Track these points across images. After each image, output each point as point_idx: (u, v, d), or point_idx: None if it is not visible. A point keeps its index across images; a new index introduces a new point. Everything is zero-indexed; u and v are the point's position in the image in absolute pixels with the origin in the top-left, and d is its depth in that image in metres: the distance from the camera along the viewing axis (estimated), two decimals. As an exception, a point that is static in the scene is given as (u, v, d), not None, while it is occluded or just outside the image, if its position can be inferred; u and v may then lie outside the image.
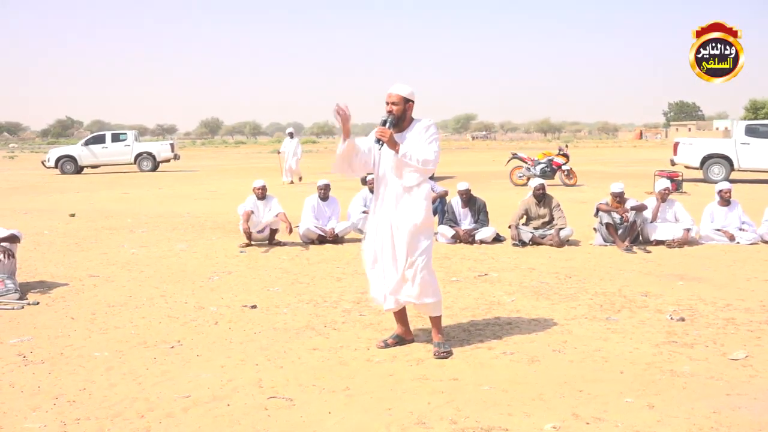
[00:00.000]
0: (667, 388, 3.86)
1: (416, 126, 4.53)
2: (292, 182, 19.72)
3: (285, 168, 20.01)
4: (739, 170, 18.87)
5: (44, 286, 6.68)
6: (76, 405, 3.73)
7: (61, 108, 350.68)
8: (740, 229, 8.99)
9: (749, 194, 14.38)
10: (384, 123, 4.41)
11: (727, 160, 18.83)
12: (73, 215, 12.52)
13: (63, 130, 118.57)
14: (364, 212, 9.53)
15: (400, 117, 4.49)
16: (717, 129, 75.68)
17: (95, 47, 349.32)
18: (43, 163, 27.60)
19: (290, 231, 8.75)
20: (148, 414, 3.60)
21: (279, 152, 20.98)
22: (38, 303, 6.02)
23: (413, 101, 4.55)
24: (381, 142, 4.39)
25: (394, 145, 4.38)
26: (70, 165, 26.68)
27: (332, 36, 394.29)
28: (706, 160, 19.06)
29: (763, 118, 48.76)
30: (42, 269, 7.58)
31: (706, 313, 5.52)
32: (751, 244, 8.76)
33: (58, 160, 26.82)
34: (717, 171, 18.82)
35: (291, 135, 20.34)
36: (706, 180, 18.65)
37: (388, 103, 4.48)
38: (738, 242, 8.82)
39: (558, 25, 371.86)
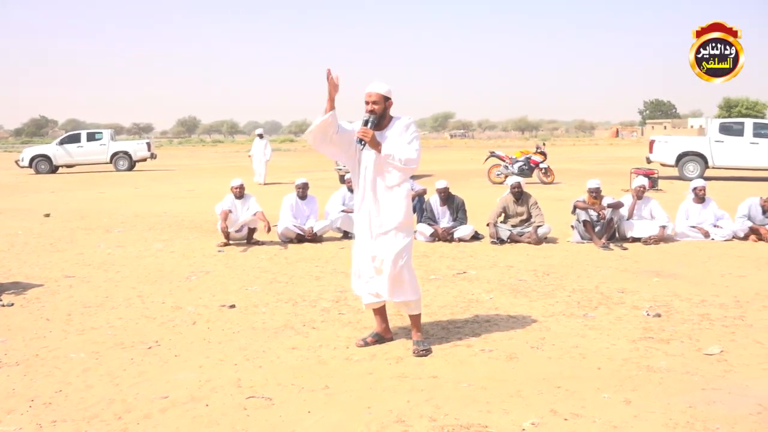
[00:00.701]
0: (643, 384, 3.91)
1: (396, 124, 4.52)
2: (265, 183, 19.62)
3: (256, 169, 19.87)
4: (713, 168, 19.14)
5: (19, 287, 6.58)
6: (52, 407, 3.69)
7: (35, 106, 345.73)
8: (714, 226, 9.12)
9: (723, 191, 14.58)
10: (366, 123, 4.39)
11: (702, 158, 19.09)
12: (48, 215, 12.36)
13: (37, 129, 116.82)
14: (342, 211, 9.50)
15: (381, 116, 4.48)
16: (692, 127, 76.44)
17: (70, 45, 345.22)
18: (16, 162, 27.16)
19: (268, 230, 8.70)
20: (125, 415, 3.56)
21: (249, 155, 20.82)
22: (12, 304, 5.94)
23: (391, 99, 4.53)
24: (363, 143, 4.38)
25: (376, 145, 4.38)
26: (44, 164, 26.28)
27: (309, 34, 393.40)
28: (682, 157, 19.31)
29: (737, 117, 49.48)
30: (16, 270, 7.47)
31: (681, 309, 5.60)
32: (725, 240, 8.89)
33: (32, 159, 26.42)
34: (692, 168, 19.07)
35: (261, 136, 20.19)
36: (681, 177, 18.88)
37: (368, 103, 4.45)
38: (712, 239, 8.95)
39: (535, 23, 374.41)
